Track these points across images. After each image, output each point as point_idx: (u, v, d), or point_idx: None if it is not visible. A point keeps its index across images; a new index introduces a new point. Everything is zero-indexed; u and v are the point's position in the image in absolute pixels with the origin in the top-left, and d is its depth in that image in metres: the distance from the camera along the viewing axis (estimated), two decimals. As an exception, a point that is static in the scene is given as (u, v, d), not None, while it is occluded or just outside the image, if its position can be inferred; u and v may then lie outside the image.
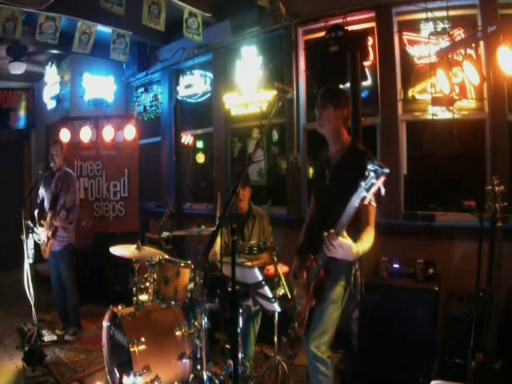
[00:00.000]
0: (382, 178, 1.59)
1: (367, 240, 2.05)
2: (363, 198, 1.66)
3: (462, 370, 2.40)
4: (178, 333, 2.90)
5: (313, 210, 2.55)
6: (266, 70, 5.00)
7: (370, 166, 1.61)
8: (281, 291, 2.78)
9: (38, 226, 4.22)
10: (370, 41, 4.15)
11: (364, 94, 4.09)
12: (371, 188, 1.61)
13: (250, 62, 5.07)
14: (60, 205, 4.13)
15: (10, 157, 7.96)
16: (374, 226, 2.13)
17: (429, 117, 3.81)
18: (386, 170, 1.58)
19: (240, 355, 2.81)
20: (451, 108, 3.62)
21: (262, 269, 2.93)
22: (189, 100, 5.96)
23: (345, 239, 1.88)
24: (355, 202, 1.71)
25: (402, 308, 3.07)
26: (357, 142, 2.38)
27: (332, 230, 1.87)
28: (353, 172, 2.01)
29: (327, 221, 2.14)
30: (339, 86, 2.70)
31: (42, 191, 4.34)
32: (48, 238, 4.17)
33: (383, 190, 1.61)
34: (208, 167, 6.09)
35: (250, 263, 2.91)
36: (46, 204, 4.25)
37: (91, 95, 6.53)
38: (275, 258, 2.88)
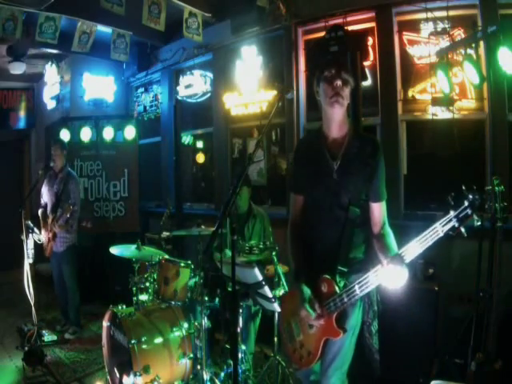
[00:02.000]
0: (476, 210, 1.41)
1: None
2: (454, 229, 1.45)
3: (462, 370, 2.40)
4: (177, 333, 2.90)
5: (299, 214, 2.08)
6: (266, 70, 4.99)
7: (470, 197, 1.42)
8: (281, 291, 2.78)
9: (41, 226, 4.22)
10: (370, 41, 4.15)
11: (364, 94, 4.09)
12: (465, 219, 1.43)
13: (249, 62, 5.07)
14: (61, 210, 4.12)
15: (10, 157, 7.96)
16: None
17: (429, 117, 3.81)
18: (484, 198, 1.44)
19: (240, 355, 2.81)
20: (451, 108, 3.62)
21: (261, 269, 2.93)
22: (189, 100, 5.96)
23: (406, 269, 1.62)
24: (439, 230, 1.49)
25: (401, 308, 3.07)
26: (358, 128, 2.10)
27: (394, 258, 1.62)
28: (368, 166, 1.84)
29: (342, 230, 1.86)
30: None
31: (44, 190, 4.33)
32: (48, 240, 4.17)
33: (477, 222, 1.45)
34: (208, 167, 6.09)
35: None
36: (49, 206, 4.25)
37: (91, 95, 6.53)
38: (275, 258, 2.88)
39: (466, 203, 1.42)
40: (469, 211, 1.42)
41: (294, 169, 2.16)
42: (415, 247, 1.57)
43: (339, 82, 1.82)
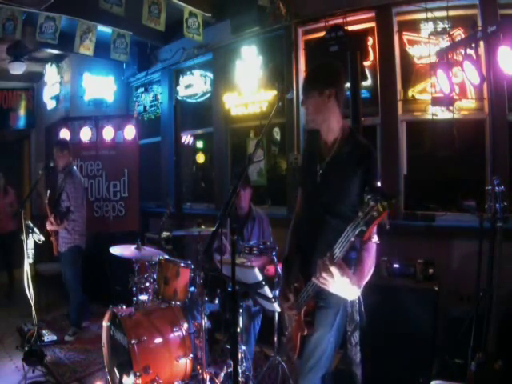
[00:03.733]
0: (386, 211, 1.28)
1: (368, 270, 1.71)
2: (361, 233, 1.36)
3: (462, 370, 2.40)
4: (177, 333, 2.90)
5: (299, 208, 2.15)
6: (266, 70, 4.99)
7: (368, 196, 1.31)
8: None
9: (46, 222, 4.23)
10: (370, 41, 4.14)
11: (364, 94, 4.09)
12: (371, 222, 1.31)
13: (249, 62, 5.07)
14: (60, 208, 4.13)
15: (10, 157, 7.97)
16: (374, 252, 1.76)
17: (429, 117, 3.81)
18: (392, 201, 1.27)
19: (240, 355, 2.81)
20: (451, 108, 3.62)
21: (261, 269, 2.93)
22: (189, 100, 5.96)
23: (341, 270, 1.55)
24: (350, 235, 1.42)
25: (402, 308, 3.07)
26: (356, 131, 2.00)
27: (326, 256, 1.56)
28: (353, 173, 1.77)
29: (319, 230, 1.87)
30: (323, 61, 2.05)
31: (50, 189, 4.33)
32: (50, 235, 4.19)
33: (387, 224, 1.36)
34: (208, 167, 6.09)
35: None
36: (48, 205, 4.25)
37: (91, 95, 6.53)
38: (275, 258, 2.88)
39: (372, 203, 1.30)
40: (374, 214, 1.30)
41: (301, 162, 2.22)
42: (337, 249, 1.54)
43: (305, 108, 1.93)
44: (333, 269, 1.54)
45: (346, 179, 1.80)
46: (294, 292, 1.91)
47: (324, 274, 1.57)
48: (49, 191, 4.31)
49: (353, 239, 1.42)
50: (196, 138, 6.16)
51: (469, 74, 3.17)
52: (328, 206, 1.85)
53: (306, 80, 1.98)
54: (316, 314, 1.89)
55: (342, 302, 1.82)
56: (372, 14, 4.14)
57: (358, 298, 1.82)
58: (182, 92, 6.00)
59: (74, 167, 4.44)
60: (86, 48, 4.87)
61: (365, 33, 4.19)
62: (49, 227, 4.21)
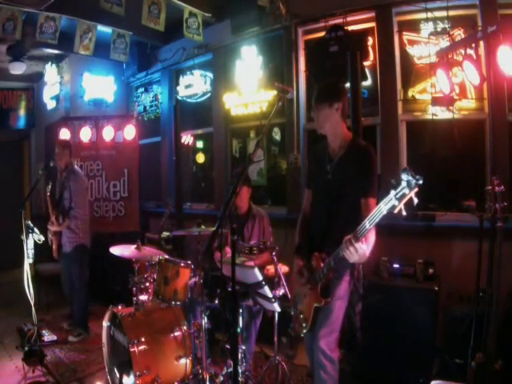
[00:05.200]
0: (415, 189, 1.54)
1: (372, 241, 2.06)
2: (393, 207, 1.61)
3: (462, 370, 2.40)
4: (177, 333, 2.90)
5: (309, 205, 2.52)
6: (266, 70, 4.99)
7: (403, 176, 1.56)
8: (281, 291, 2.77)
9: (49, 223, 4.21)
10: (370, 41, 4.15)
11: (364, 94, 4.09)
12: (402, 198, 1.57)
13: (249, 62, 5.07)
14: (64, 208, 4.12)
15: (10, 157, 7.96)
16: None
17: (429, 117, 3.81)
18: (420, 182, 1.52)
19: (240, 355, 2.81)
20: (451, 108, 3.62)
21: (261, 269, 2.93)
22: (189, 100, 5.96)
23: (363, 245, 1.89)
24: (383, 209, 1.66)
25: (402, 308, 3.07)
26: (358, 137, 2.39)
27: (350, 235, 1.87)
28: (355, 169, 2.20)
29: (332, 218, 2.26)
30: (331, 81, 2.64)
31: (51, 188, 4.30)
32: (51, 238, 4.18)
33: (416, 201, 1.56)
34: (208, 167, 6.09)
35: (251, 262, 2.91)
36: (51, 205, 4.24)
37: (91, 95, 6.53)
38: (275, 258, 2.88)
39: (404, 184, 1.55)
40: (406, 191, 1.55)
41: (307, 168, 2.74)
42: (366, 224, 1.80)
43: (316, 117, 2.38)
44: (357, 244, 1.86)
45: (350, 173, 2.22)
46: (309, 269, 2.26)
47: (351, 248, 1.87)
48: (49, 190, 4.30)
49: (385, 213, 1.66)
50: (196, 137, 6.16)
51: (469, 74, 3.17)
52: (339, 196, 2.25)
53: (319, 94, 2.38)
54: (330, 286, 2.23)
55: (351, 275, 2.28)
56: (372, 14, 4.14)
57: (363, 273, 2.35)
58: (181, 92, 6.00)
59: (76, 166, 4.44)
60: (86, 48, 4.87)
61: (365, 33, 4.19)
62: (53, 228, 4.17)
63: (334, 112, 2.28)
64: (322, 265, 2.18)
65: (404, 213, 1.60)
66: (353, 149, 2.29)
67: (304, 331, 2.34)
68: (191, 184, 6.33)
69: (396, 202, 1.59)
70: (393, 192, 1.59)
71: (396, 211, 1.61)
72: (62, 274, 4.40)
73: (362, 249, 1.88)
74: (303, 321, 2.33)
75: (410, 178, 1.53)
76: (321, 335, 2.22)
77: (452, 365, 2.72)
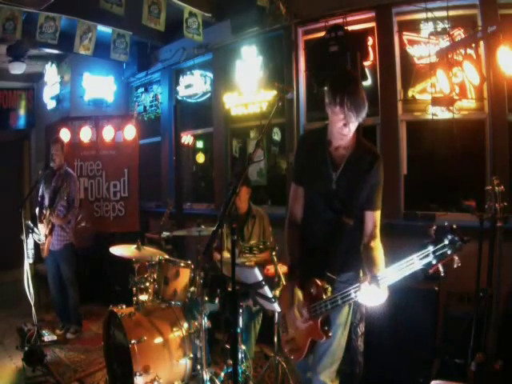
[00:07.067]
0: (458, 251, 1.36)
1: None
2: (429, 265, 1.41)
3: (462, 370, 2.40)
4: (177, 333, 2.90)
5: (299, 207, 2.11)
6: (266, 70, 4.99)
7: (449, 236, 1.37)
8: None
9: (38, 223, 4.23)
10: (370, 41, 4.14)
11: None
12: (442, 258, 1.37)
13: (249, 62, 5.07)
14: (58, 202, 4.13)
15: (10, 157, 7.95)
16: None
17: (429, 117, 3.81)
18: (467, 244, 1.36)
19: (240, 355, 2.81)
20: (451, 108, 3.62)
21: (261, 269, 2.93)
22: (189, 100, 5.96)
23: (385, 291, 1.63)
24: (416, 264, 1.46)
25: (402, 308, 3.07)
26: (360, 136, 2.05)
27: (369, 278, 1.64)
28: (364, 179, 1.91)
29: (334, 235, 1.92)
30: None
31: (42, 189, 4.34)
32: (46, 236, 4.17)
33: (457, 263, 1.39)
34: (208, 167, 6.09)
35: (251, 262, 2.90)
36: (46, 202, 4.25)
37: (91, 95, 6.53)
38: (275, 258, 2.88)
39: (446, 242, 1.37)
40: (448, 251, 1.36)
41: (295, 161, 2.19)
42: (393, 274, 1.57)
43: (346, 125, 1.86)
44: (378, 291, 1.60)
45: (359, 184, 1.91)
46: (309, 299, 1.88)
47: (370, 295, 1.63)
48: (44, 190, 4.30)
49: (416, 269, 1.46)
50: (196, 137, 6.16)
51: (469, 74, 3.18)
52: (345, 208, 1.93)
53: (361, 107, 1.88)
54: (330, 313, 1.89)
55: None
56: (372, 14, 4.14)
57: None
58: (182, 92, 6.00)
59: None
60: (86, 48, 4.87)
61: (365, 33, 4.18)
62: (57, 222, 4.15)
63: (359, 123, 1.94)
64: (323, 296, 1.83)
65: (443, 274, 1.41)
66: (359, 151, 1.97)
67: (294, 359, 2.02)
68: (191, 184, 6.34)
69: (434, 260, 1.39)
70: (431, 247, 1.40)
71: (431, 271, 1.42)
72: (49, 273, 4.40)
73: (384, 295, 1.63)
74: (296, 349, 1.99)
75: (457, 238, 1.36)
76: (321, 369, 1.98)
77: (452, 365, 2.72)
